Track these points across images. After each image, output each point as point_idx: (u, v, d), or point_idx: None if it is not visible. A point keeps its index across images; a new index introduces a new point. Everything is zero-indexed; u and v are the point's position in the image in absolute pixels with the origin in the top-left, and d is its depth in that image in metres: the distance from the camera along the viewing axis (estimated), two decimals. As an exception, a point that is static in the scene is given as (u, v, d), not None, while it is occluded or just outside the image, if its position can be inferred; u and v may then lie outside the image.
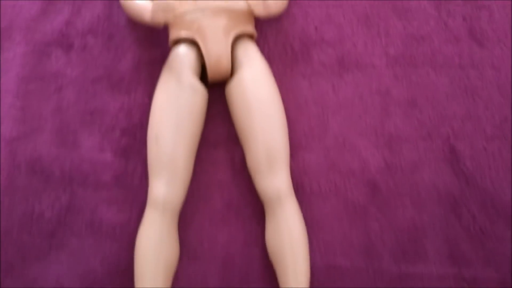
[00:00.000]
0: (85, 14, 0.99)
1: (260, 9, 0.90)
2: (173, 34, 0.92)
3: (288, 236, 0.86)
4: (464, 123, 1.02)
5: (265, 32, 1.04)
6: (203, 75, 0.94)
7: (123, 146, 0.95)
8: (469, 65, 1.06)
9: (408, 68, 1.04)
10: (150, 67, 0.99)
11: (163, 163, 0.85)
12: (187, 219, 0.94)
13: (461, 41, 1.07)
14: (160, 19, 0.86)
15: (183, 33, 0.91)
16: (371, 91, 1.03)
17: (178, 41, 0.93)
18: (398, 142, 1.01)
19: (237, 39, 0.93)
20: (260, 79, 0.92)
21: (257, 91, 0.90)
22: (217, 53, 0.91)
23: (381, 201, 0.98)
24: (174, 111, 0.87)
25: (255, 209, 0.95)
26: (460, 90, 1.04)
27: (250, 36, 0.96)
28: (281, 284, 0.86)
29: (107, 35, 0.99)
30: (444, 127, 1.02)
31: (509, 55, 1.06)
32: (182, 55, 0.91)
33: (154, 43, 1.00)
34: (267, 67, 0.94)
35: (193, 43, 0.92)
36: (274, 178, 0.88)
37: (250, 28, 0.94)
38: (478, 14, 1.09)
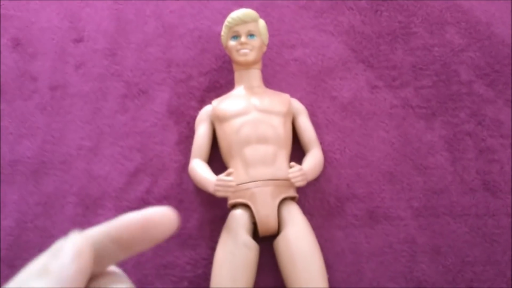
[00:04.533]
0: (162, 183, 1.24)
1: (299, 183, 1.10)
2: (231, 199, 1.14)
3: None
4: (485, 268, 1.16)
5: (305, 190, 1.24)
6: (255, 231, 1.15)
7: (190, 295, 1.14)
8: (485, 214, 1.21)
9: (430, 218, 1.21)
10: (212, 225, 1.20)
11: (223, 313, 1.03)
12: None
13: (477, 193, 1.23)
14: (221, 194, 1.07)
15: (239, 199, 1.12)
16: (399, 240, 1.19)
17: (234, 205, 1.14)
18: (426, 286, 1.15)
19: (282, 201, 1.14)
20: (302, 236, 1.09)
21: (300, 246, 1.08)
22: (266, 214, 1.11)
23: None
24: (231, 267, 1.05)
25: None
26: (479, 237, 1.19)
27: (293, 198, 1.17)
28: None
29: (178, 200, 1.22)
30: (467, 272, 1.16)
31: (521, 203, 1.22)
32: (238, 217, 1.11)
33: (215, 204, 1.22)
34: (308, 224, 1.12)
35: (246, 206, 1.13)
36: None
37: (292, 193, 1.15)
38: (490, 167, 1.26)
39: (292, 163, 1.11)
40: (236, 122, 1.18)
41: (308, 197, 1.24)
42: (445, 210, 1.22)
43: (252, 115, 1.19)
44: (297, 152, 1.26)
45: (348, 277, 1.16)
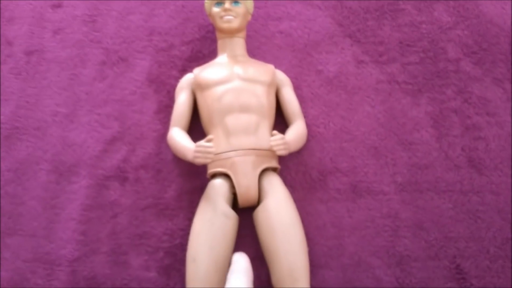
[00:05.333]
0: (139, 152, 1.20)
1: (281, 151, 1.07)
2: (211, 169, 1.10)
3: None
4: (469, 244, 1.14)
5: (287, 163, 1.21)
6: (235, 202, 1.11)
7: (165, 265, 1.10)
8: (470, 190, 1.19)
9: (414, 193, 1.19)
10: (190, 195, 1.16)
11: (199, 282, 0.99)
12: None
13: (462, 169, 1.21)
14: (201, 161, 1.03)
15: (219, 169, 1.09)
16: (382, 215, 1.16)
17: (214, 175, 1.10)
18: (408, 261, 1.12)
19: (263, 172, 1.10)
20: (283, 207, 1.06)
21: (280, 217, 1.04)
22: (246, 184, 1.07)
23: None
24: (209, 235, 1.01)
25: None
26: (463, 214, 1.17)
27: (274, 169, 1.13)
28: None
29: (156, 169, 1.18)
30: (450, 248, 1.14)
31: (506, 181, 1.20)
32: (218, 186, 1.07)
33: (194, 175, 1.18)
34: (289, 195, 1.09)
35: (226, 176, 1.09)
36: (296, 297, 0.99)
37: (274, 163, 1.12)
38: (476, 144, 1.24)
39: (274, 132, 1.07)
40: (218, 90, 1.14)
41: (290, 169, 1.21)
42: (429, 185, 1.19)
43: (235, 83, 1.15)
44: (281, 125, 1.23)
45: (329, 251, 1.13)
